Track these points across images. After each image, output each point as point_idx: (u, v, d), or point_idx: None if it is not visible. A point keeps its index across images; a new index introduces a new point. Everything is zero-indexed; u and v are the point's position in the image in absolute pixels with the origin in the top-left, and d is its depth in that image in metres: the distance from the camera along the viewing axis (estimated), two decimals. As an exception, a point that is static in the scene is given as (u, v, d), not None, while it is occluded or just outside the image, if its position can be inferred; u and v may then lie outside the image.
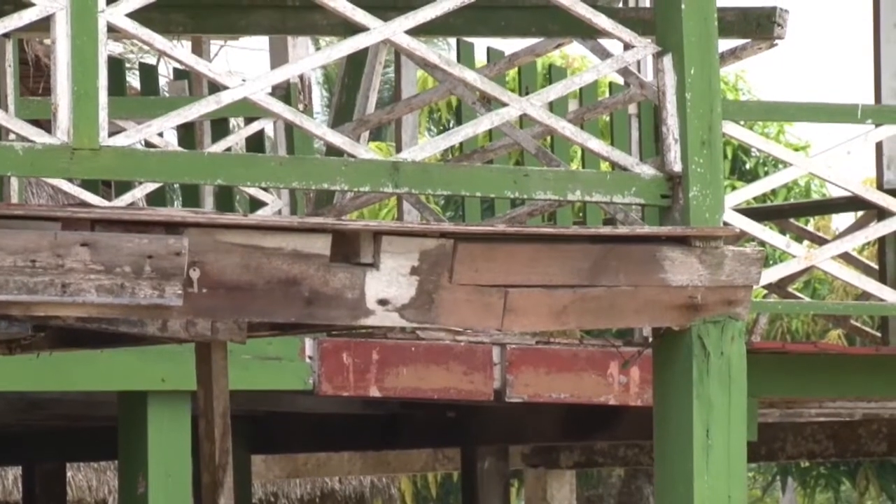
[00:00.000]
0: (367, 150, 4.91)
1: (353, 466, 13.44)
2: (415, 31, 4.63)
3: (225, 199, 8.01)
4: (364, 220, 5.57)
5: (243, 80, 4.84)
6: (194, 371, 5.40)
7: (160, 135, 6.13)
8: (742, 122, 7.31)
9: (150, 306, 4.24)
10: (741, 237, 6.35)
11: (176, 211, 4.89)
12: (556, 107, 6.56)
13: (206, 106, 4.69)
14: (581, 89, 7.66)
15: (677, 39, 4.72)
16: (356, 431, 10.43)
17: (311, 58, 6.55)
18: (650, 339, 5.43)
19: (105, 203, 6.60)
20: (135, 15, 4.34)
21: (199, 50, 10.51)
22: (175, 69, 9.47)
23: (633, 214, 5.18)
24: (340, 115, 8.50)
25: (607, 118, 8.77)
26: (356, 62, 8.24)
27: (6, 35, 5.40)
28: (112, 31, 4.31)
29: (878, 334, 9.25)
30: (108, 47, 4.43)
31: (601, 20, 4.68)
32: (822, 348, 10.35)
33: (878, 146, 8.32)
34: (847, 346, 10.65)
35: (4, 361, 5.54)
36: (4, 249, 4.04)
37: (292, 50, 8.05)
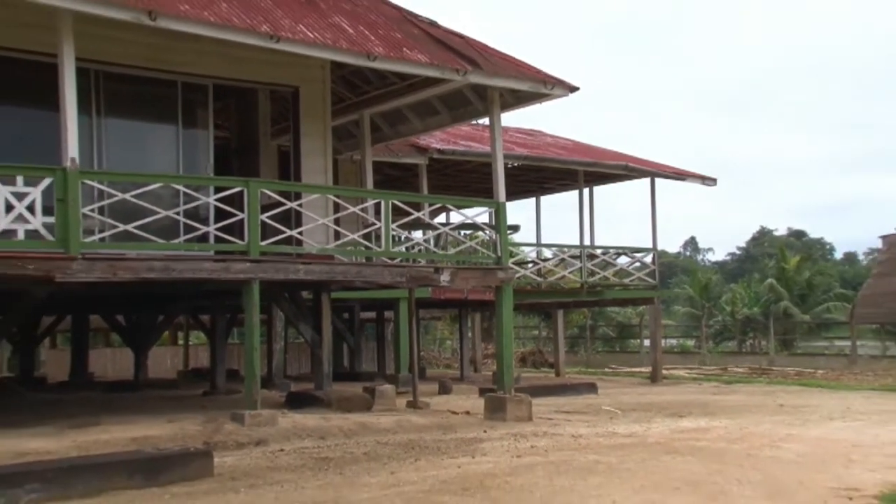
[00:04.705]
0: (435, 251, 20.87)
1: (434, 312, 32.64)
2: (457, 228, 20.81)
3: (412, 261, 21.95)
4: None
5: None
6: (407, 293, 21.04)
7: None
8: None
9: (399, 282, 19.07)
10: (512, 269, 20.62)
11: (401, 263, 20.68)
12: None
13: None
14: (480, 243, 22.61)
15: (500, 228, 19.77)
16: (441, 305, 26.40)
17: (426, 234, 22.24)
18: (496, 288, 19.97)
19: (391, 261, 19.11)
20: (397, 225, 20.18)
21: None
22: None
23: (490, 264, 19.72)
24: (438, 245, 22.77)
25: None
26: (438, 235, 21.88)
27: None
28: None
29: (536, 286, 24.90)
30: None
31: (489, 232, 20.23)
32: (524, 290, 26.67)
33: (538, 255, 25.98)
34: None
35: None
36: (374, 270, 18.64)
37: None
